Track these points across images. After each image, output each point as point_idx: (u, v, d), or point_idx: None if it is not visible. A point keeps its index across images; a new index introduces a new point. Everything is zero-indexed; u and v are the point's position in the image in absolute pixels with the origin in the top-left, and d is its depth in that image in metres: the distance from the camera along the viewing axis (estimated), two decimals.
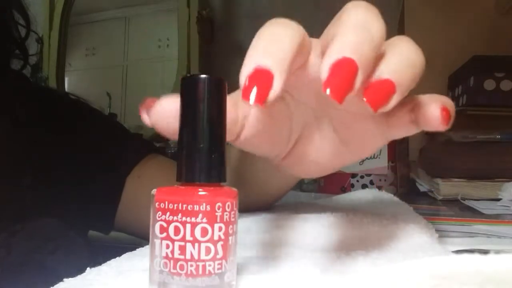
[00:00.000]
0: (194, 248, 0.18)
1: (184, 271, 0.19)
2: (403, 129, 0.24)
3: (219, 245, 0.19)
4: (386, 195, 0.44)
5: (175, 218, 0.19)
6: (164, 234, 0.19)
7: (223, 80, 0.20)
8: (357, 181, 0.70)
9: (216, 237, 0.19)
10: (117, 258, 0.25)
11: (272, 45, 0.19)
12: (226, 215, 0.19)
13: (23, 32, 0.53)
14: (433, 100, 0.23)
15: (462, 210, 0.52)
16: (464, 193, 0.59)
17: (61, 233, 0.42)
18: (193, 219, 0.18)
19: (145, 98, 0.23)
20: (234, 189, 0.20)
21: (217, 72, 1.22)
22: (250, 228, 0.31)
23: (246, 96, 0.18)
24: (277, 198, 0.40)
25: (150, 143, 0.56)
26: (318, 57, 0.22)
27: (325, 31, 0.22)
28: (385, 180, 0.69)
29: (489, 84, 0.65)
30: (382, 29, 0.20)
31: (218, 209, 0.19)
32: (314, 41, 0.22)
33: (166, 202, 0.19)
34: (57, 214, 0.42)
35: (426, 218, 0.36)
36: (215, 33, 1.33)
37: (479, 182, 0.59)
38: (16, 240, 0.38)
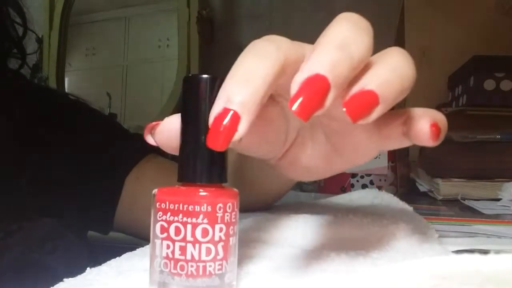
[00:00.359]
0: (194, 248, 0.18)
1: (185, 271, 0.19)
2: (395, 141, 0.24)
3: (219, 245, 0.19)
4: (386, 195, 0.44)
5: (176, 218, 0.19)
6: (165, 235, 0.19)
7: (224, 80, 0.20)
8: (357, 181, 0.70)
9: (216, 238, 0.19)
10: (117, 258, 0.25)
11: (242, 86, 0.19)
12: (227, 215, 0.19)
13: (20, 31, 0.53)
14: (425, 115, 0.22)
15: (462, 210, 0.52)
16: (464, 193, 0.59)
17: (59, 233, 0.42)
18: (194, 220, 0.18)
19: (148, 123, 0.24)
20: (235, 190, 0.20)
21: (217, 72, 1.22)
22: (250, 228, 0.31)
23: (212, 137, 0.19)
24: (277, 198, 0.40)
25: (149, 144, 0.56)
26: None
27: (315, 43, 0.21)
28: (385, 180, 0.69)
29: (489, 84, 0.65)
30: (365, 47, 0.20)
31: (219, 209, 0.19)
32: (309, 48, 0.22)
33: (167, 203, 0.19)
34: (56, 214, 0.42)
35: (426, 218, 0.36)
36: (215, 33, 1.33)
37: (479, 182, 0.59)
38: (13, 240, 0.38)
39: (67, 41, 1.45)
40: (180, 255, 0.19)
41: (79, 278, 0.22)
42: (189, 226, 0.18)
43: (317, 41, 0.20)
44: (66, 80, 1.47)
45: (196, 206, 0.18)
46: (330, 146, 0.27)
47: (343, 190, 0.69)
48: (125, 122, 1.32)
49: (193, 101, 0.20)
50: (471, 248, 0.32)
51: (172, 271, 0.19)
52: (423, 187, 0.68)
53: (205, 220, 0.18)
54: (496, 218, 0.46)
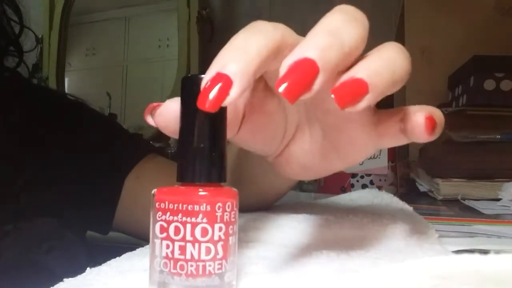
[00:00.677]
0: (194, 248, 0.18)
1: (184, 271, 0.19)
2: (392, 139, 0.25)
3: (219, 245, 0.19)
4: (386, 195, 0.44)
5: (175, 218, 0.19)
6: (164, 234, 0.19)
7: None
8: (357, 181, 0.70)
9: (216, 237, 0.19)
10: (117, 258, 0.25)
11: (237, 54, 0.19)
12: (227, 215, 0.19)
13: (17, 29, 0.53)
14: (421, 109, 0.23)
15: (462, 210, 0.52)
16: (464, 193, 0.59)
17: (58, 233, 0.42)
18: (193, 219, 0.18)
19: (149, 103, 0.24)
20: (235, 189, 0.20)
21: None
22: (250, 228, 0.31)
23: (203, 98, 0.19)
24: (277, 198, 0.40)
25: (149, 143, 0.56)
26: None
27: None
28: (385, 180, 0.69)
29: (489, 84, 0.65)
30: (357, 36, 0.20)
31: (219, 209, 0.19)
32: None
33: (167, 202, 0.19)
34: (55, 214, 0.42)
35: (426, 218, 0.36)
36: (215, 33, 1.33)
37: (479, 182, 0.59)
38: (11, 240, 0.38)
39: (67, 41, 1.45)
40: (179, 254, 0.19)
41: (79, 278, 0.22)
42: (188, 226, 0.18)
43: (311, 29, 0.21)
44: (66, 80, 1.48)
45: (195, 206, 0.18)
46: (327, 142, 0.27)
47: (343, 190, 0.69)
48: (125, 122, 1.32)
49: (192, 101, 0.19)
50: (471, 248, 0.32)
51: (172, 270, 0.19)
52: (423, 187, 0.68)
53: (205, 220, 0.18)
54: (496, 218, 0.46)
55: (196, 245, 0.18)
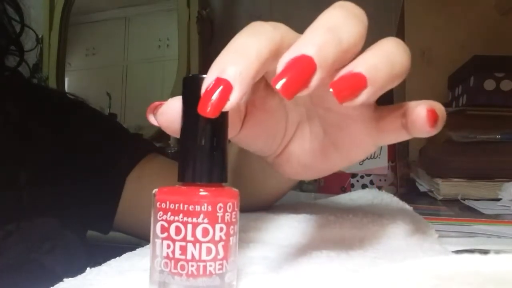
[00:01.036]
0: (195, 248, 0.18)
1: (185, 271, 0.19)
2: (393, 134, 0.24)
3: (220, 245, 0.19)
4: (386, 195, 0.44)
5: (176, 218, 0.19)
6: (165, 234, 0.19)
7: None
8: (357, 181, 0.70)
9: (217, 238, 0.19)
10: (117, 258, 0.25)
11: (236, 58, 0.19)
12: (227, 215, 0.19)
13: (18, 28, 0.52)
14: (422, 103, 0.23)
15: (462, 210, 0.52)
16: (464, 193, 0.59)
17: (58, 233, 0.42)
18: (194, 219, 0.18)
19: (151, 102, 0.24)
20: (235, 190, 0.20)
21: None
22: (250, 228, 0.32)
23: (203, 104, 0.19)
24: (277, 198, 0.40)
25: (150, 143, 0.56)
26: None
27: None
28: (385, 180, 0.69)
29: (489, 84, 0.65)
30: (355, 32, 0.20)
31: (219, 209, 0.19)
32: None
33: (168, 202, 0.19)
34: (56, 214, 0.42)
35: (426, 218, 0.36)
36: (215, 33, 1.33)
37: (479, 182, 0.59)
38: (12, 240, 0.38)
39: (67, 41, 1.45)
40: (180, 254, 0.19)
41: (79, 278, 0.22)
42: (189, 226, 0.18)
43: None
44: (66, 80, 1.47)
45: (196, 206, 0.18)
46: (328, 141, 0.27)
47: (343, 190, 0.69)
48: (125, 122, 1.32)
49: (193, 101, 0.19)
50: (471, 248, 0.32)
51: (173, 270, 0.19)
52: (423, 187, 0.68)
53: (206, 220, 0.18)
54: (496, 218, 0.46)
55: (197, 245, 0.18)
